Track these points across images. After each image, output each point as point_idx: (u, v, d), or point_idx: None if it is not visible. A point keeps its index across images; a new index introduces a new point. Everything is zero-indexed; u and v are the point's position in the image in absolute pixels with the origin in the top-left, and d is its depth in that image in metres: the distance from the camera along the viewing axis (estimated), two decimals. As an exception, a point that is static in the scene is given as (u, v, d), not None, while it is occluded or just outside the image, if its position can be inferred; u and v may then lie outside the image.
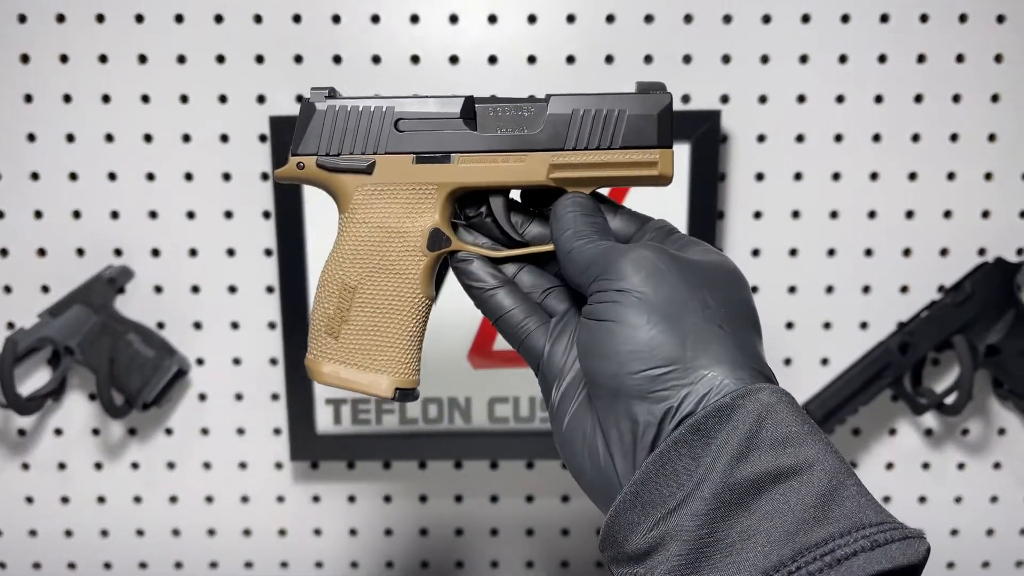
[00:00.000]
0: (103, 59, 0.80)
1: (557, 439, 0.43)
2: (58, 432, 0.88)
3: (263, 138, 0.81)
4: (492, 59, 0.80)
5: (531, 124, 0.45)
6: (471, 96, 0.46)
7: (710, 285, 0.39)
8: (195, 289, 0.85)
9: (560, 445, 0.42)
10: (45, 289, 0.84)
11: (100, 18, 0.79)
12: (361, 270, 0.46)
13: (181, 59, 0.80)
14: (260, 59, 0.80)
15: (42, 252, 0.84)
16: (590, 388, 0.40)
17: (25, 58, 0.80)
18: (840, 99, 0.81)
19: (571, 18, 0.79)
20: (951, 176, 0.82)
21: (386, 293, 0.46)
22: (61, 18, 0.79)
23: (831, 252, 0.84)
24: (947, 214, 0.83)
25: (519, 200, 0.49)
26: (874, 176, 0.82)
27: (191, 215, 0.83)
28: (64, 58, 0.80)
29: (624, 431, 0.37)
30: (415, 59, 0.80)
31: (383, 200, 0.45)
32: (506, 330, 0.45)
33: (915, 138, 0.82)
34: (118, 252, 0.84)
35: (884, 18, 0.79)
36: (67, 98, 0.81)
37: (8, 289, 0.85)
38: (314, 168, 0.46)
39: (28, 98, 0.81)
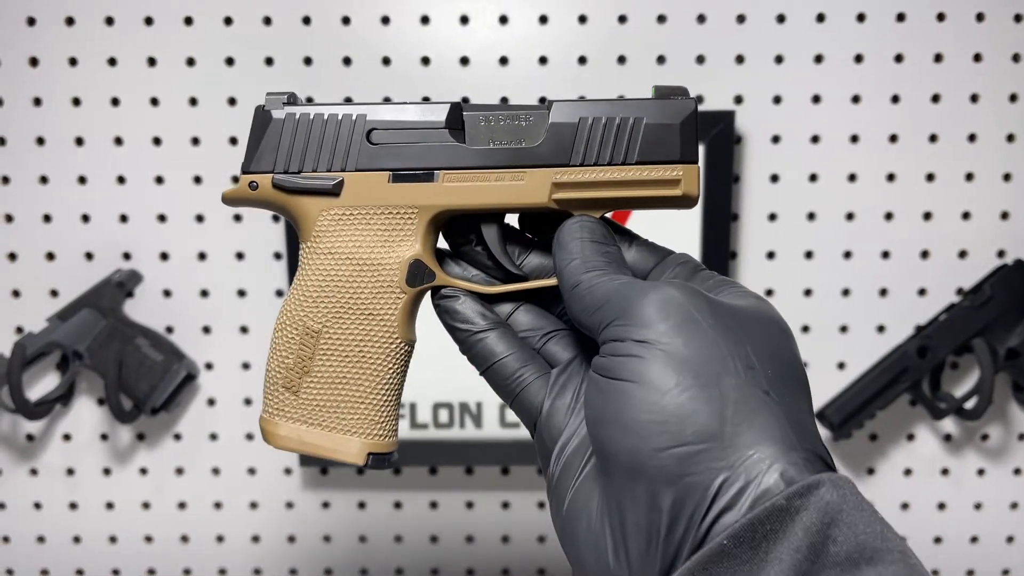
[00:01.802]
0: (112, 62, 0.80)
1: (556, 522, 0.35)
2: (66, 437, 0.87)
3: (272, 141, 0.81)
4: (503, 60, 0.80)
5: (530, 135, 0.38)
6: (458, 102, 0.39)
7: (753, 338, 0.32)
8: (204, 293, 0.84)
9: (559, 530, 0.34)
10: (54, 293, 0.84)
11: (109, 21, 0.79)
12: (326, 311, 0.39)
13: (190, 61, 0.80)
14: (270, 61, 0.80)
15: (51, 256, 0.84)
16: (600, 463, 0.32)
17: (34, 61, 0.80)
18: (856, 99, 0.80)
19: (583, 18, 0.79)
20: (969, 177, 0.81)
21: (356, 338, 0.39)
22: (70, 21, 0.79)
23: (847, 254, 0.83)
24: (965, 215, 0.82)
25: (516, 226, 0.42)
26: (891, 177, 0.81)
27: (200, 218, 0.83)
28: (73, 61, 0.80)
29: (643, 524, 0.30)
30: (425, 60, 0.80)
31: (353, 226, 0.38)
32: (497, 381, 0.39)
33: (932, 138, 0.80)
34: (127, 256, 0.83)
35: (900, 17, 0.78)
36: (76, 101, 0.80)
37: (17, 293, 0.84)
38: (270, 188, 0.39)
39: (37, 101, 0.80)
